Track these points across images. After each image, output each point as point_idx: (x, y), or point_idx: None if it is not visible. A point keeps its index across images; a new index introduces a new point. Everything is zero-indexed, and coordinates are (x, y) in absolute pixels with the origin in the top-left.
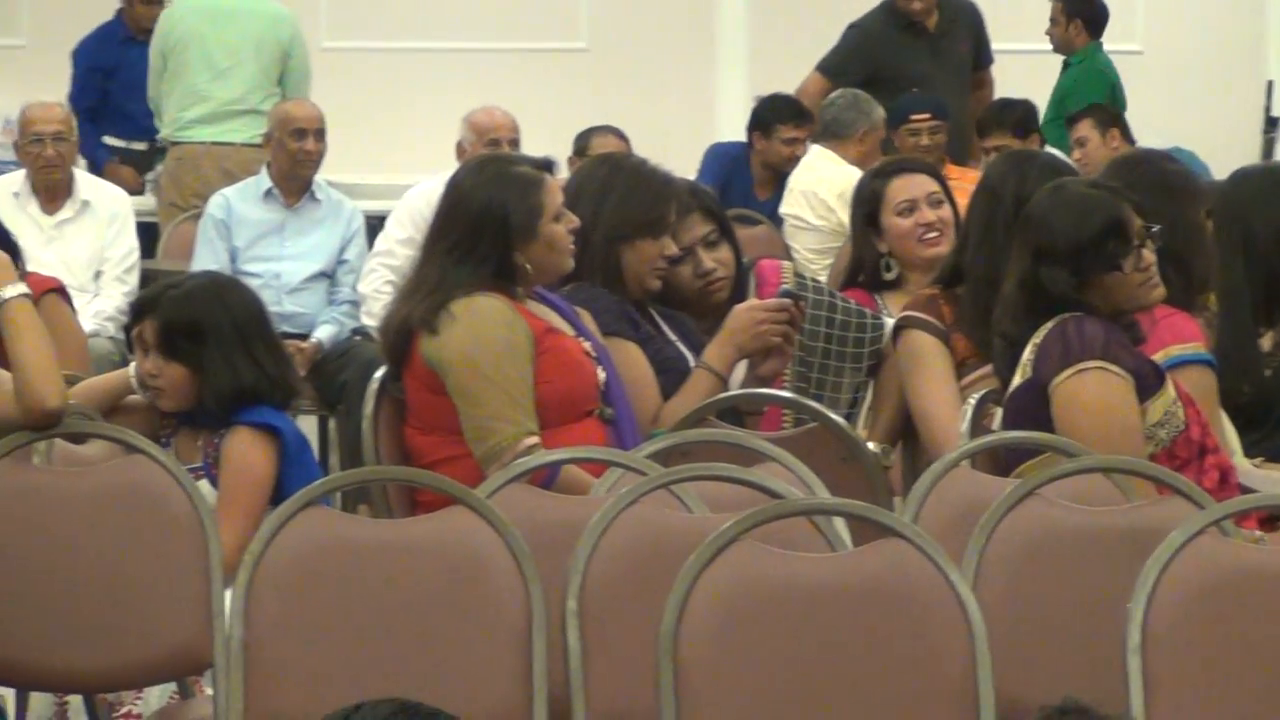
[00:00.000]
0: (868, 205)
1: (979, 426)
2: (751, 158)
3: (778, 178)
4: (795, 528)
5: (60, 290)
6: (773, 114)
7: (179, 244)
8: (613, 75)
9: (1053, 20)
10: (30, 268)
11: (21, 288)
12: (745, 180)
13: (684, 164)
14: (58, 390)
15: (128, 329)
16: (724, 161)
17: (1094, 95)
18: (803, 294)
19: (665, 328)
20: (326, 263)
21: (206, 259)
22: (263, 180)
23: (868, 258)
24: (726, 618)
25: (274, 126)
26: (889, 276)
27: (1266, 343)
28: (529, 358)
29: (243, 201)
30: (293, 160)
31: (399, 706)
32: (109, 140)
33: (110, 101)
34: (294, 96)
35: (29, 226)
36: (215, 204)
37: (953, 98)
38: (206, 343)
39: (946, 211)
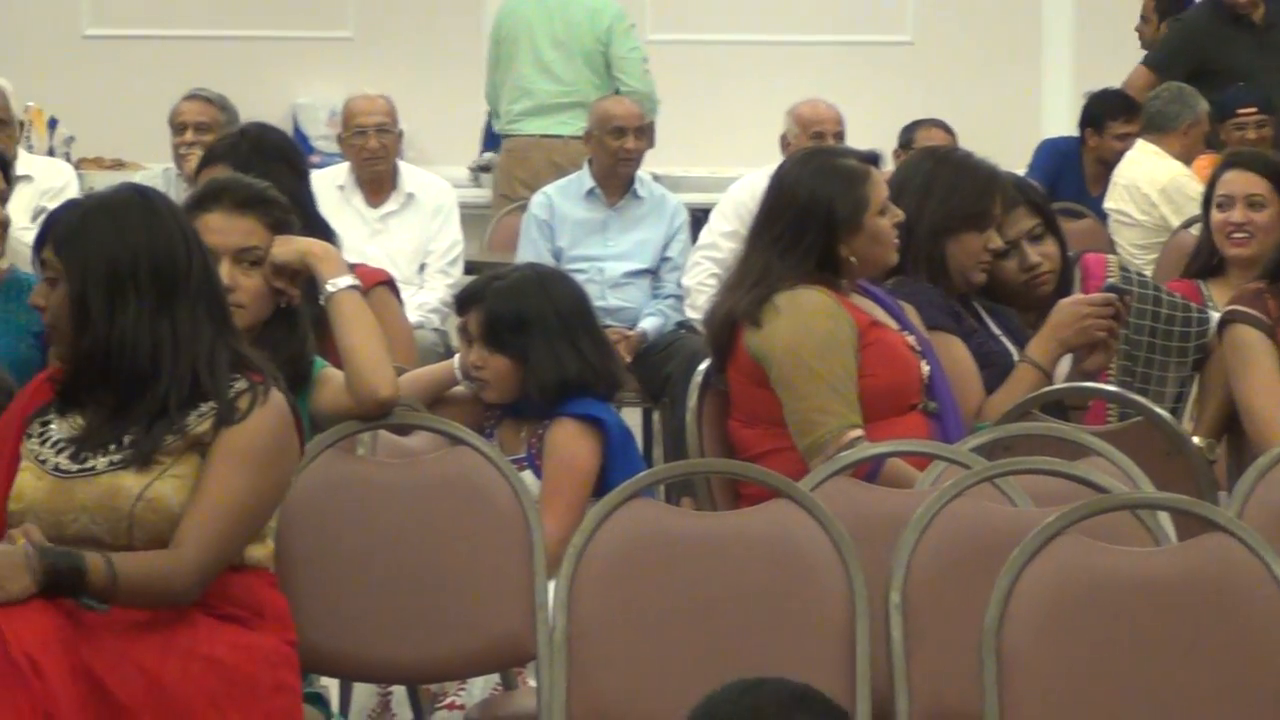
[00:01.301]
0: (1208, 190)
1: None
2: (1083, 153)
3: (1110, 173)
4: (1119, 522)
5: (389, 283)
6: (1105, 110)
7: (504, 236)
8: (938, 68)
9: (1143, 18)
10: (354, 260)
11: (350, 280)
12: (1076, 176)
13: (1010, 158)
14: (389, 380)
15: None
16: (1055, 157)
17: None
18: (1128, 288)
19: (989, 322)
20: (650, 260)
21: (529, 258)
22: (585, 178)
23: (1203, 242)
24: (1050, 612)
25: (594, 124)
26: (1214, 261)
27: None
28: (853, 350)
29: (565, 200)
30: (613, 158)
31: (800, 692)
32: None
33: None
34: (629, 86)
35: (354, 219)
36: (538, 203)
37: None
38: (531, 334)
39: (1263, 215)
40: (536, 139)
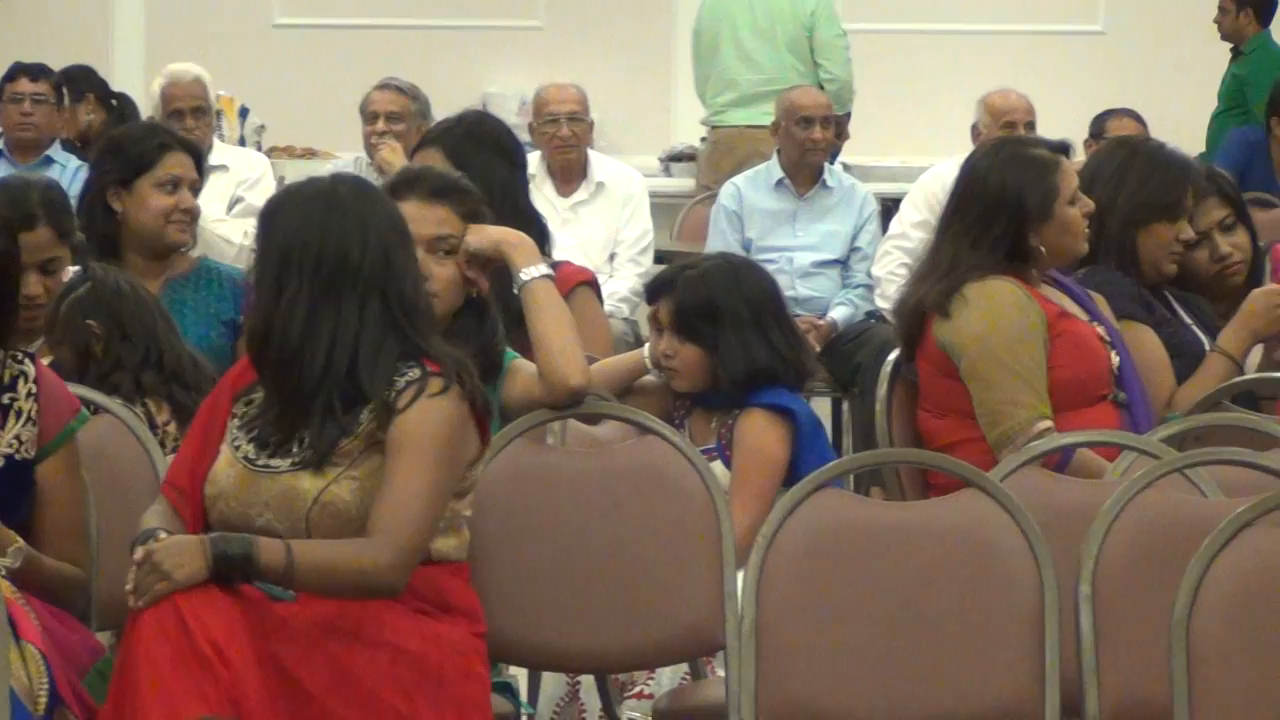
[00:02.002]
0: None
1: None
2: (1271, 143)
3: None
4: None
5: (591, 283)
6: None
7: (694, 226)
8: (1130, 58)
9: (1221, 9)
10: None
11: (544, 269)
12: (1265, 165)
13: (1200, 148)
14: (580, 368)
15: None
16: (1243, 147)
17: (1260, 89)
18: None
19: (1180, 311)
20: (839, 250)
21: (719, 249)
22: (774, 169)
23: None
24: (1240, 602)
25: (781, 115)
26: None
27: None
28: (1043, 341)
29: (754, 191)
30: (801, 149)
31: None
32: None
33: None
34: (831, 73)
35: (545, 208)
36: (727, 193)
37: None
38: (721, 324)
39: None
40: (741, 129)
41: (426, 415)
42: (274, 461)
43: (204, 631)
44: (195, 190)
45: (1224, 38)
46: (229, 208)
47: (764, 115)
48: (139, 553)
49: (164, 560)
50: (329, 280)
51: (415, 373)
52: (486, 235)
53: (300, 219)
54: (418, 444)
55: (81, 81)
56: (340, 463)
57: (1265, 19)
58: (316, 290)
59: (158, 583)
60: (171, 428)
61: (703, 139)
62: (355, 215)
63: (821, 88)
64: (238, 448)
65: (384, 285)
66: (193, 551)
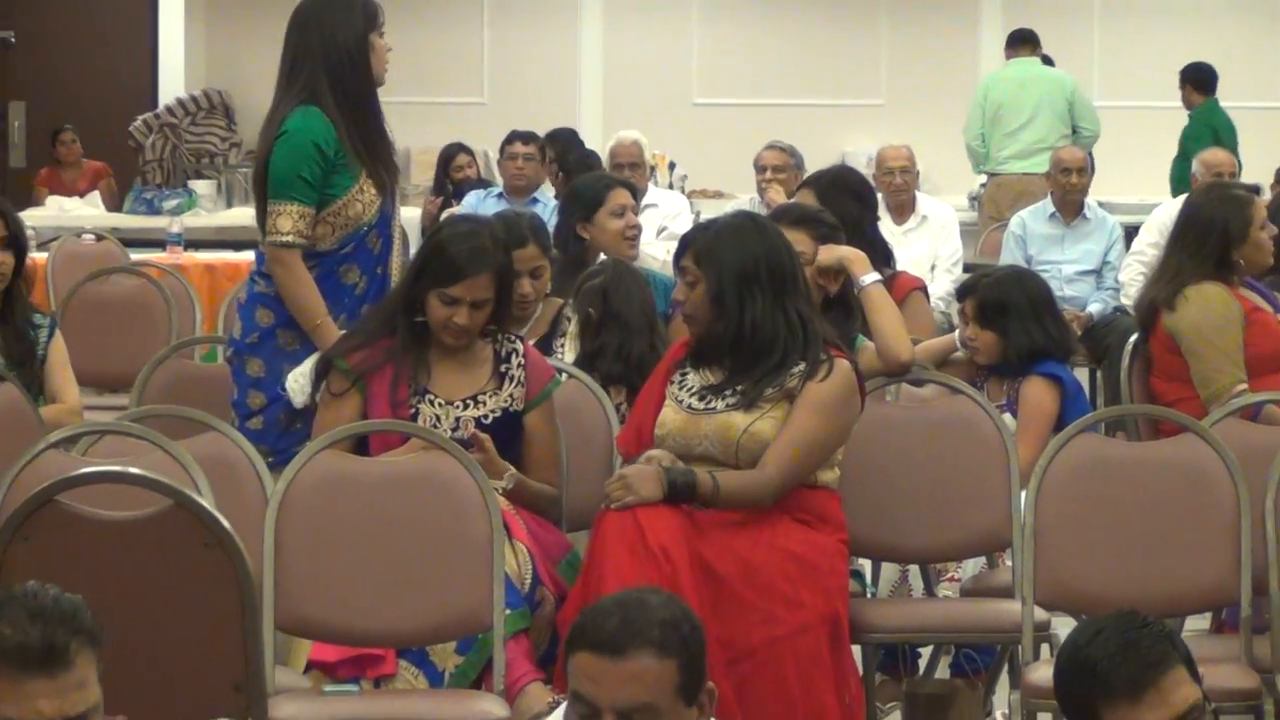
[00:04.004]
0: None
1: None
2: None
3: None
4: None
5: (922, 288)
6: None
7: (990, 246)
8: None
9: (1180, 85)
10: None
11: (875, 276)
12: None
13: None
14: (908, 347)
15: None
16: None
17: (1203, 140)
18: None
19: None
20: (1095, 263)
21: (1008, 262)
22: (1048, 205)
23: None
24: None
25: (1052, 166)
26: None
27: None
28: (1240, 328)
29: (1035, 221)
30: (1064, 191)
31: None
32: None
33: None
34: (1088, 129)
35: (886, 234)
36: (1015, 222)
37: None
38: (1010, 316)
39: None
40: (1019, 175)
41: (831, 386)
42: (714, 405)
43: (655, 536)
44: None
45: (1185, 106)
46: (657, 234)
47: (1035, 165)
48: (617, 474)
49: (633, 480)
50: (778, 286)
51: (824, 354)
52: (834, 253)
53: (740, 245)
54: (817, 405)
55: (563, 142)
56: (764, 406)
57: (1205, 90)
58: (773, 295)
59: (626, 494)
60: (624, 407)
61: (982, 185)
62: (779, 237)
63: (1075, 140)
64: (679, 401)
65: (797, 286)
66: (653, 477)
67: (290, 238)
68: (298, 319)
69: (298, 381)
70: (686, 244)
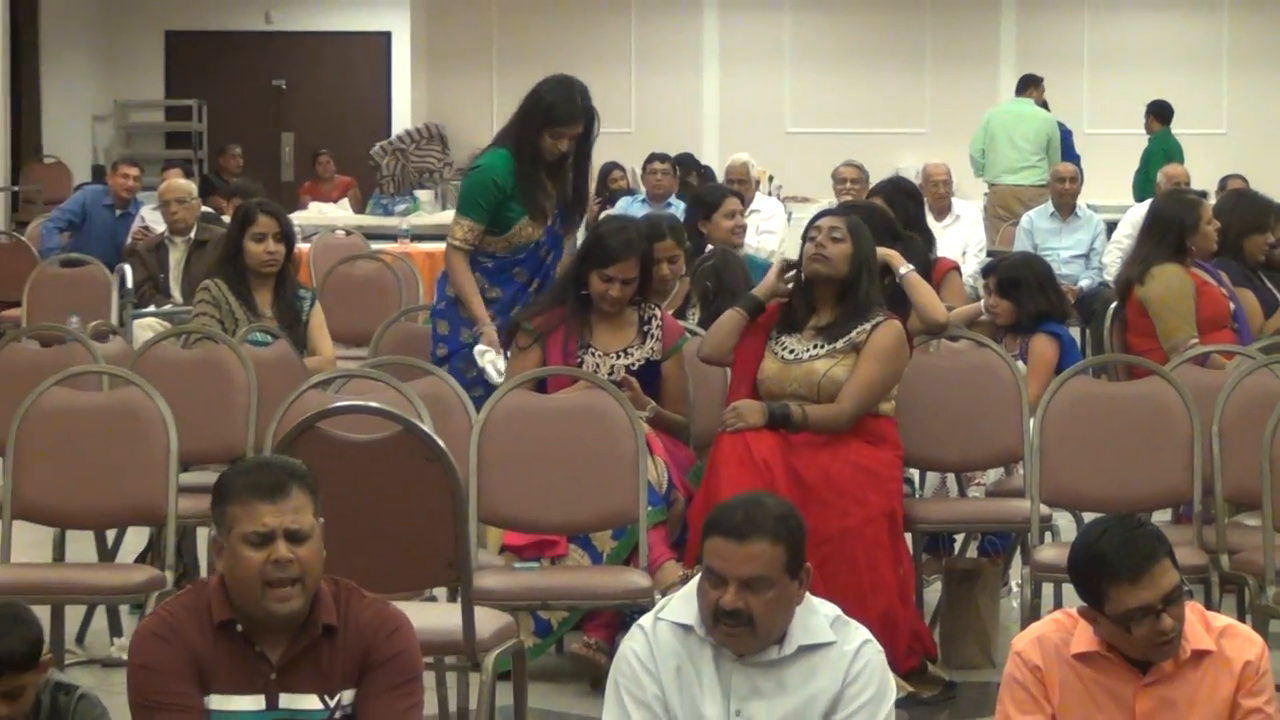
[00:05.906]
0: None
1: None
2: None
3: None
4: None
5: (956, 268)
6: None
7: (1005, 238)
8: (1242, 147)
9: (1145, 115)
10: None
11: (909, 267)
12: None
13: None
14: (942, 313)
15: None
16: None
17: (1158, 159)
18: None
19: (1266, 282)
20: (1084, 249)
21: (1020, 249)
22: (1049, 206)
23: None
24: None
25: (1051, 176)
26: None
27: None
28: (1193, 298)
29: (1039, 219)
30: (1060, 195)
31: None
32: None
33: None
34: (1056, 158)
35: (930, 227)
36: (1024, 220)
37: None
38: (1022, 288)
39: None
40: (1011, 187)
41: (886, 337)
42: (804, 355)
43: (760, 452)
44: (739, 219)
45: (1147, 132)
46: (757, 232)
47: (1023, 178)
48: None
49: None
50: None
51: (881, 315)
52: (881, 253)
53: (867, 238)
54: (878, 352)
55: (688, 162)
56: (838, 355)
57: (1164, 120)
58: (876, 266)
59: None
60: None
61: (985, 194)
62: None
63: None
64: (776, 354)
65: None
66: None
67: (459, 244)
68: (457, 296)
69: (495, 365)
70: (832, 214)
